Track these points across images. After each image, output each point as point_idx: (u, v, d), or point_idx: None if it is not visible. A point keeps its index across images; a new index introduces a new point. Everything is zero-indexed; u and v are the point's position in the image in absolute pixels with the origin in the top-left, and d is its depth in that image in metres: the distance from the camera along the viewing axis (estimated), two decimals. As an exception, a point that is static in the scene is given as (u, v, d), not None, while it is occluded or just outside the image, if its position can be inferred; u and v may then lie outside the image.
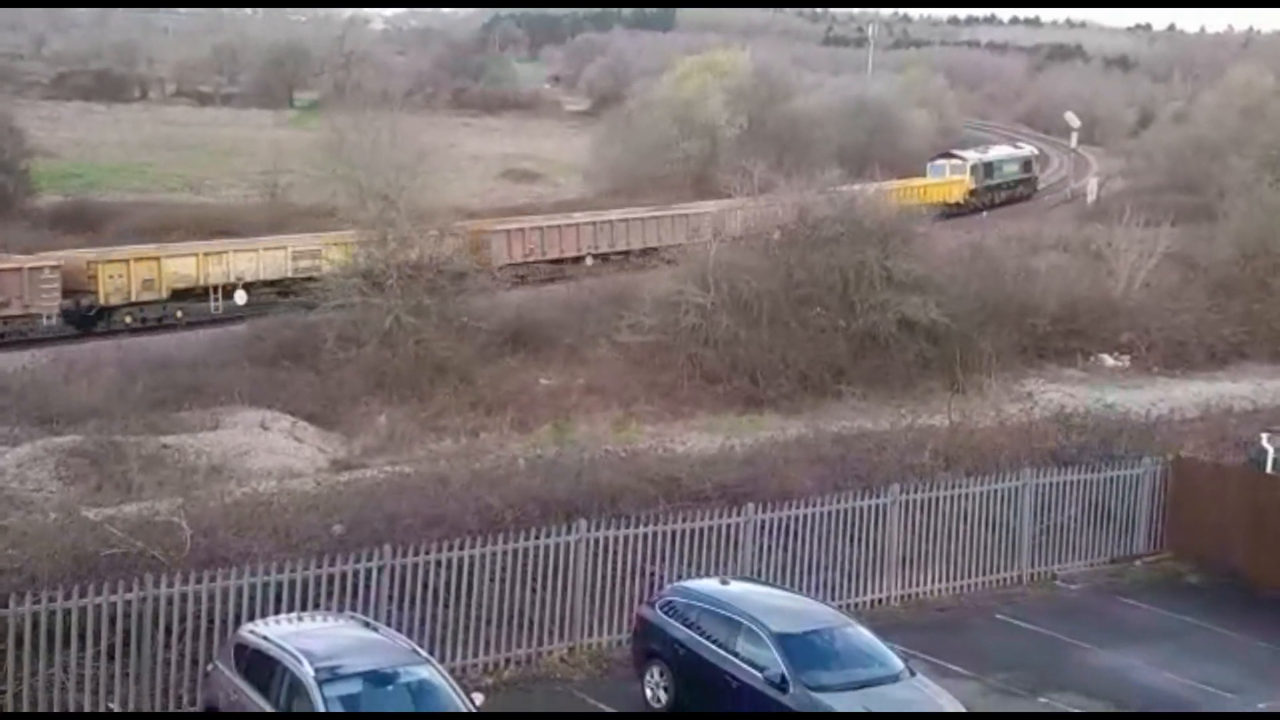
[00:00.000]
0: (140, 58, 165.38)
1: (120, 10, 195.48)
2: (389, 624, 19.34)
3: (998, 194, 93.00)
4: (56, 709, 18.26)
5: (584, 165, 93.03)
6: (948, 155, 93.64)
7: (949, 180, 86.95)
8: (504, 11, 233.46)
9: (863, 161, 67.72)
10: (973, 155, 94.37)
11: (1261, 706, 21.65)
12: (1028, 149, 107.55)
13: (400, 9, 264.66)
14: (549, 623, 21.71)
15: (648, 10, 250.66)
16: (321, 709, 16.34)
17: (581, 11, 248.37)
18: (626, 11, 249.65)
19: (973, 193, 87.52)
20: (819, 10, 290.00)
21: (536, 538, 21.56)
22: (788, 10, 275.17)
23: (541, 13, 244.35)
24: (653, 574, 22.30)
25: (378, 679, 17.01)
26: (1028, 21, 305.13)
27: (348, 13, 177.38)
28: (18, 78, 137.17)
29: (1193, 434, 31.26)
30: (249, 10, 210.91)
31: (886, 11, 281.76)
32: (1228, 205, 57.29)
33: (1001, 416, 30.89)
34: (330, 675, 16.66)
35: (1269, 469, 28.01)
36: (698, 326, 39.80)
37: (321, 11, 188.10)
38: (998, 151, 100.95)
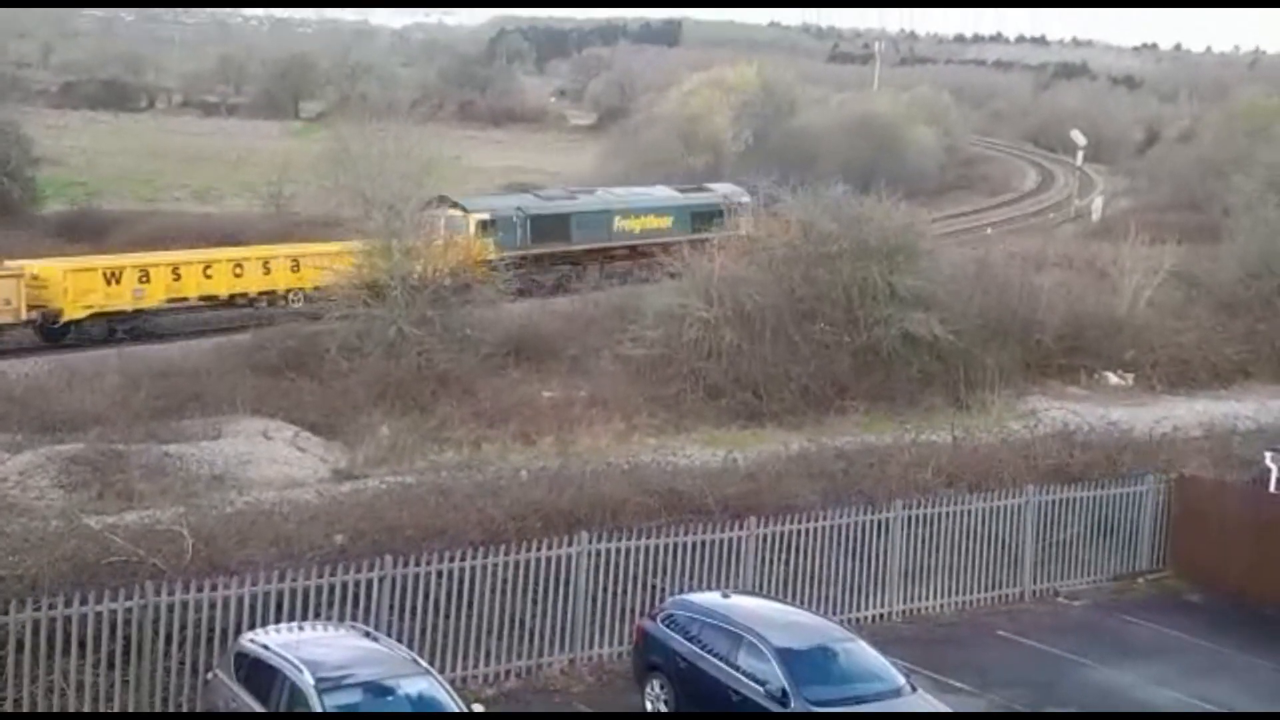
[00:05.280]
0: (147, 67, 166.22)
1: (127, 20, 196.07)
2: (389, 634, 19.33)
3: (570, 266, 57.90)
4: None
5: (588, 179, 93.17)
6: (447, 201, 54.54)
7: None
8: (510, 24, 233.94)
9: (868, 177, 67.66)
10: (497, 204, 58.95)
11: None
12: (721, 191, 66.39)
13: (407, 20, 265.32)
14: (550, 634, 21.72)
15: (653, 23, 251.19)
16: (321, 718, 16.33)
17: (588, 25, 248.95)
18: (633, 25, 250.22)
19: (492, 264, 46.97)
20: (824, 26, 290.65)
21: (538, 549, 21.56)
22: (793, 26, 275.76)
23: (548, 26, 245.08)
24: (654, 586, 22.30)
25: (378, 689, 17.02)
26: (1034, 40, 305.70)
27: (354, 24, 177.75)
28: (25, 86, 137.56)
29: (1196, 452, 31.19)
30: (255, 21, 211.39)
31: (893, 29, 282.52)
32: (1233, 225, 57.23)
33: (1005, 433, 30.85)
34: (330, 685, 16.67)
35: (1272, 487, 27.99)
36: (701, 340, 39.75)
37: (328, 23, 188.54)
38: (607, 198, 62.83)
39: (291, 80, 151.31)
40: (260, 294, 50.96)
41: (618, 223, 59.81)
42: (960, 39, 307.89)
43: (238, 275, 50.50)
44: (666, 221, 62.44)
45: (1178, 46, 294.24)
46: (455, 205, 54.82)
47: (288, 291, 50.65)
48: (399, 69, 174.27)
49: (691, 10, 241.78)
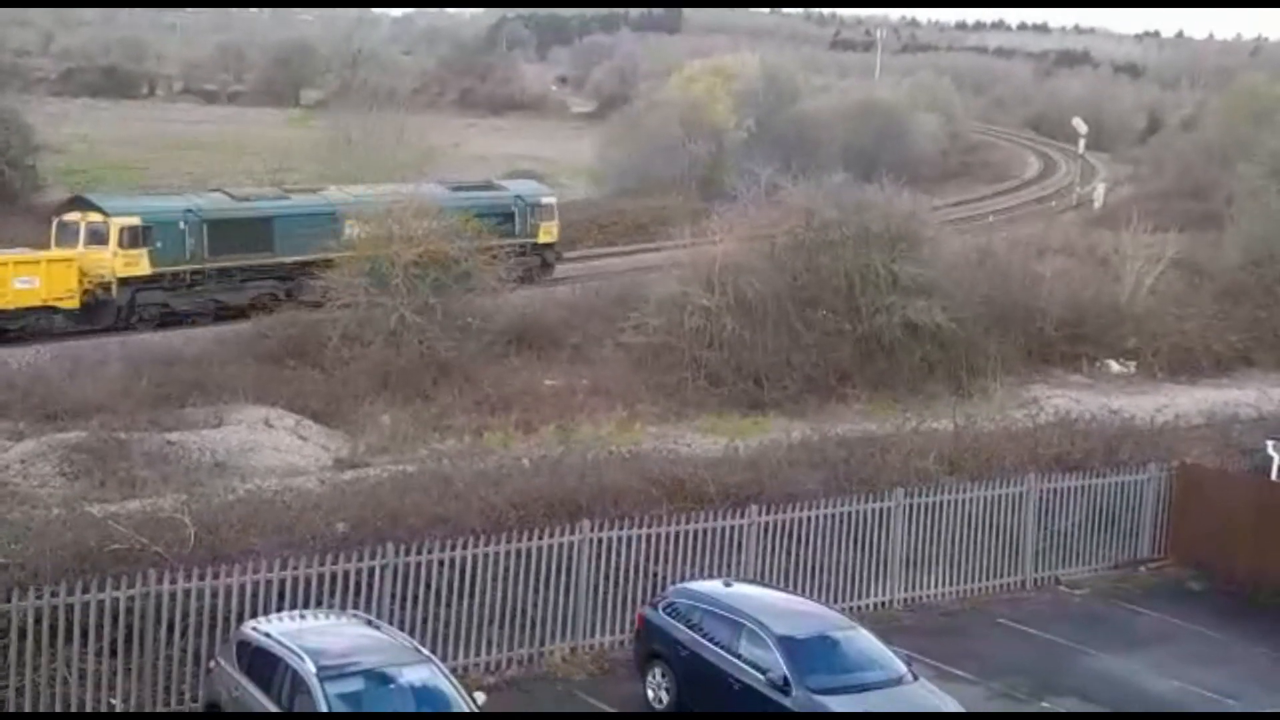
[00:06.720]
0: (147, 55, 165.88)
1: (128, 8, 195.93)
2: (391, 622, 19.35)
3: (278, 282, 47.72)
4: (58, 704, 18.28)
5: (590, 167, 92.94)
6: (82, 204, 47.92)
7: (80, 255, 44.87)
8: (511, 12, 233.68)
9: (871, 165, 67.63)
10: (157, 206, 48.50)
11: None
12: (513, 190, 57.77)
13: (408, 9, 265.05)
14: (551, 622, 21.73)
15: (654, 11, 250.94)
16: (323, 707, 16.35)
17: (589, 13, 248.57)
18: (634, 13, 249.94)
19: (147, 279, 45.50)
20: (826, 14, 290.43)
21: (540, 538, 21.56)
22: (795, 14, 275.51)
23: (549, 14, 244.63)
24: (656, 575, 22.31)
25: (380, 677, 17.04)
26: (1036, 27, 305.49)
27: (355, 12, 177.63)
28: (25, 74, 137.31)
29: (1198, 440, 31.21)
30: (256, 9, 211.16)
31: (894, 16, 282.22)
32: (1235, 212, 57.22)
33: (1006, 421, 30.86)
34: (332, 673, 16.68)
35: (1273, 475, 28.00)
36: (702, 328, 39.73)
37: (329, 11, 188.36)
38: (336, 196, 50.76)
39: (292, 68, 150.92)
40: None
41: (351, 229, 44.62)
42: (962, 26, 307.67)
43: None
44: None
45: (1180, 34, 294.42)
46: (95, 209, 46.29)
47: None
48: (400, 56, 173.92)
49: (692, 10, 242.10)
